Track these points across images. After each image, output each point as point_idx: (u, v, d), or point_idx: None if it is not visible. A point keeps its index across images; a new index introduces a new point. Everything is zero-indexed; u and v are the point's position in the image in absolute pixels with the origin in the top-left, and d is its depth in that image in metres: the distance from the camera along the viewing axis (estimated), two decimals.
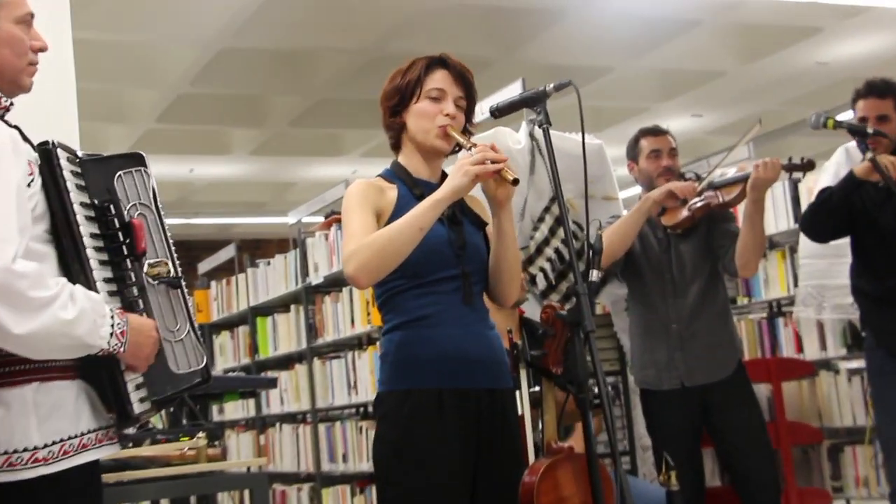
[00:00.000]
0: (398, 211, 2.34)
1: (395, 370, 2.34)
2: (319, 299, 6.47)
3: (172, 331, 2.13)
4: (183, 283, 2.17)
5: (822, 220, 3.56)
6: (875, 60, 8.48)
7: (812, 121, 3.49)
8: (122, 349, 1.98)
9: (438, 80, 2.41)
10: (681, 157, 4.09)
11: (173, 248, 2.18)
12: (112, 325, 1.97)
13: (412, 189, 2.40)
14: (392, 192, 2.39)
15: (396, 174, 2.44)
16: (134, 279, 2.08)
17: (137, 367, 2.03)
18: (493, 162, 2.24)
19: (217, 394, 4.09)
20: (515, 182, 2.24)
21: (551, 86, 2.33)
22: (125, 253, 2.09)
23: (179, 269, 2.17)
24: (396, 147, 2.49)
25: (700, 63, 8.58)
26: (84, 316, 1.92)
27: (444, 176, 2.48)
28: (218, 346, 8.17)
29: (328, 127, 10.08)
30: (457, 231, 2.37)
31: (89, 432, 2.01)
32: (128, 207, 2.13)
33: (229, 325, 8.07)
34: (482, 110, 4.41)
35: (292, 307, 6.90)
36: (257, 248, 12.33)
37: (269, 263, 7.32)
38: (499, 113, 2.43)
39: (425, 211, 2.24)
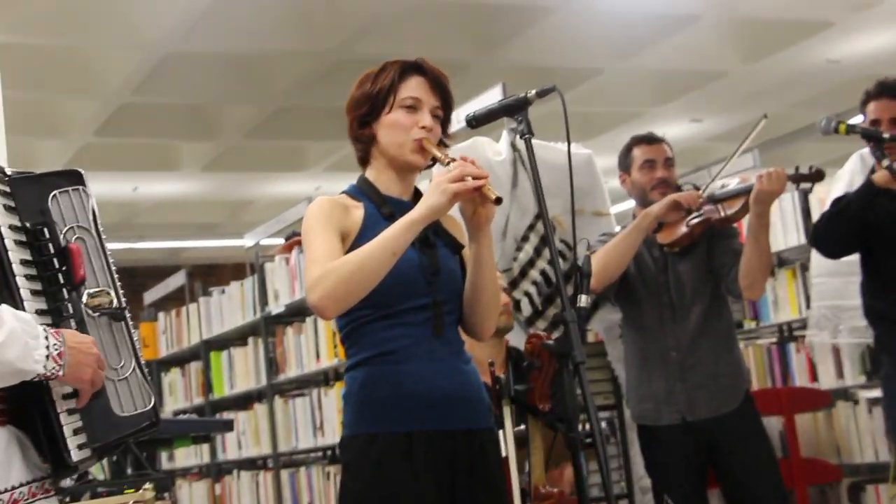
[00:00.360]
0: (365, 232, 2.35)
1: (359, 411, 2.34)
2: (280, 331, 6.46)
3: (116, 368, 2.10)
4: (127, 315, 2.16)
5: (836, 233, 3.58)
6: (892, 57, 8.58)
7: (822, 125, 3.52)
8: (60, 372, 1.95)
9: (413, 87, 2.42)
10: (679, 167, 4.11)
11: (116, 276, 2.17)
12: (47, 347, 1.94)
13: (380, 208, 2.41)
14: (358, 212, 2.40)
15: (363, 191, 2.45)
16: (72, 311, 2.06)
17: (82, 390, 2.01)
18: (473, 178, 2.24)
19: (166, 439, 4.07)
20: (498, 201, 2.24)
21: (533, 92, 2.35)
22: (61, 282, 2.06)
23: (123, 300, 2.15)
24: (364, 161, 2.49)
25: (698, 63, 8.67)
26: (14, 338, 1.89)
27: (416, 193, 2.49)
28: (167, 384, 8.12)
29: (288, 138, 10.09)
30: (429, 255, 2.38)
31: (21, 486, 1.99)
32: (64, 231, 2.11)
33: (180, 360, 8.03)
34: (458, 118, 4.44)
35: (250, 340, 6.88)
36: (210, 275, 12.29)
37: (223, 291, 7.30)
38: (476, 122, 2.44)
39: (399, 233, 2.24)
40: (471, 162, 2.28)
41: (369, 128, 2.43)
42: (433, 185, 2.26)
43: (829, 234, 3.62)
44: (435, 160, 2.41)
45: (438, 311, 2.36)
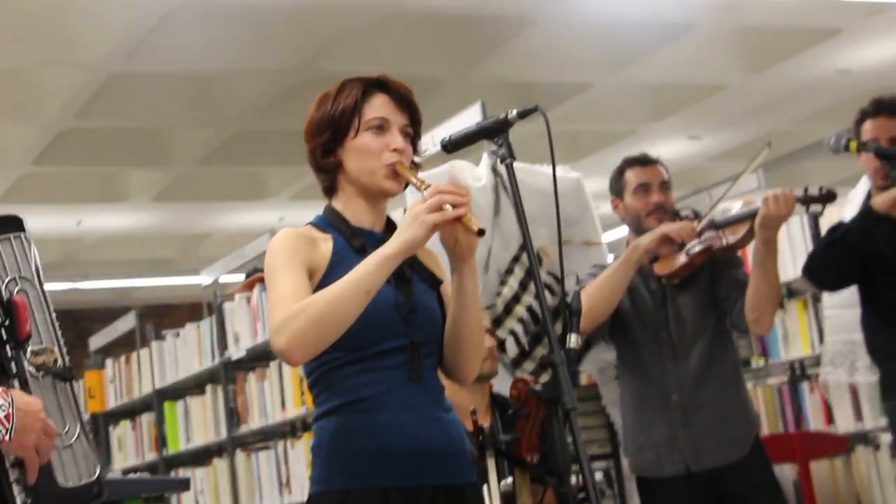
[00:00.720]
0: (335, 267, 2.35)
1: (329, 466, 2.33)
2: (241, 377, 6.43)
3: (60, 435, 2.08)
4: (73, 375, 2.14)
5: (832, 263, 3.61)
6: None
7: (831, 142, 3.54)
8: (6, 436, 1.93)
9: (379, 106, 2.43)
10: (677, 189, 4.13)
11: (60, 332, 2.16)
12: None
13: (351, 240, 2.41)
14: (326, 245, 2.40)
15: (331, 222, 2.45)
16: (15, 370, 2.05)
17: (27, 459, 1.99)
18: (453, 207, 2.25)
19: (114, 502, 4.02)
20: (480, 233, 2.24)
21: (514, 112, 2.36)
22: (3, 338, 2.05)
23: (68, 358, 2.14)
24: (330, 191, 2.50)
25: (695, 75, 8.73)
26: None
27: (389, 223, 2.50)
28: (116, 439, 8.06)
29: (247, 165, 10.09)
30: (405, 291, 2.38)
31: None
32: (6, 281, 2.10)
33: (130, 412, 7.98)
34: (433, 141, 4.47)
35: (208, 388, 6.85)
36: (163, 317, 12.22)
37: (178, 335, 7.27)
38: (452, 147, 2.46)
39: (373, 270, 2.23)
40: (450, 188, 2.28)
41: (334, 155, 2.44)
42: (409, 216, 2.26)
43: (825, 265, 3.64)
44: (409, 185, 2.42)
45: (416, 354, 2.35)
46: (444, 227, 2.28)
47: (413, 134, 2.48)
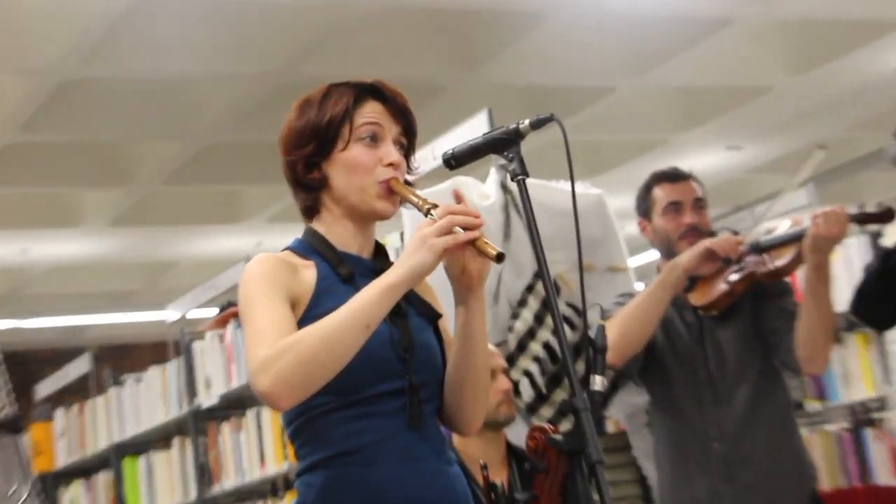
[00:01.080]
0: (320, 298, 2.34)
1: None
2: (214, 428, 6.42)
3: (6, 494, 2.09)
4: (22, 427, 2.14)
5: (883, 297, 3.59)
6: None
7: (892, 152, 3.55)
8: None
9: (371, 114, 2.44)
10: (714, 206, 4.13)
11: (5, 378, 2.16)
12: None
13: (336, 267, 2.41)
14: (309, 273, 2.39)
15: (313, 247, 2.45)
16: None
17: None
18: (464, 228, 2.25)
19: None
20: (499, 258, 2.23)
21: (526, 122, 2.36)
22: None
23: (16, 405, 2.14)
24: (311, 212, 2.49)
25: (734, 76, 8.75)
26: None
27: (377, 248, 2.50)
28: (68, 503, 8.04)
29: (220, 182, 10.12)
30: (401, 326, 2.38)
31: None
32: None
33: (84, 471, 7.96)
34: (434, 154, 4.47)
35: (175, 442, 6.83)
36: (123, 359, 12.23)
37: (139, 380, 7.26)
38: (456, 162, 2.46)
39: (373, 301, 2.23)
40: (461, 208, 2.29)
41: (318, 169, 2.44)
42: (415, 240, 2.25)
43: (878, 299, 3.63)
44: (410, 204, 2.40)
45: (415, 398, 2.35)
46: (455, 252, 2.28)
47: (408, 147, 2.49)
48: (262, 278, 2.34)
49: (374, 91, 2.46)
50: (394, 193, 2.41)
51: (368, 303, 2.23)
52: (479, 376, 2.42)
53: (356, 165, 2.41)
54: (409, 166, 2.49)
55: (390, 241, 4.61)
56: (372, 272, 2.38)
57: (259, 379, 2.20)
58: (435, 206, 2.31)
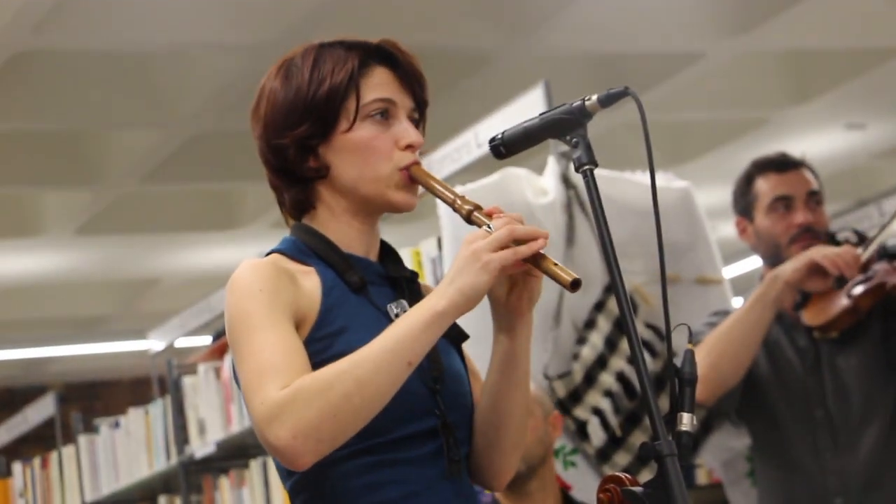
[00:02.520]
0: (329, 314, 2.33)
1: None
2: (210, 483, 6.44)
3: None
4: None
5: None
6: None
7: None
8: None
9: (381, 84, 2.42)
10: (832, 201, 4.12)
11: None
12: None
13: (344, 274, 2.39)
14: (311, 281, 2.37)
15: (311, 248, 2.42)
16: None
17: None
18: (520, 241, 2.23)
19: None
20: (576, 285, 2.22)
21: (594, 98, 2.35)
22: None
23: None
24: (303, 207, 2.47)
25: (854, 36, 8.71)
26: None
27: (385, 250, 2.48)
28: None
29: (210, 180, 10.15)
30: (430, 350, 2.32)
31: None
32: None
33: None
34: (477, 140, 4.47)
35: (162, 500, 6.86)
36: (95, 399, 12.31)
37: (116, 425, 7.29)
38: (506, 150, 2.44)
39: (417, 333, 2.20)
40: (517, 215, 2.28)
41: (314, 156, 2.42)
42: (466, 256, 2.24)
43: None
44: (437, 198, 2.39)
45: (450, 439, 2.35)
46: (514, 270, 2.27)
47: (419, 121, 2.48)
48: (261, 293, 2.30)
49: (382, 54, 2.43)
50: (414, 183, 2.40)
51: (412, 335, 2.20)
52: (519, 420, 2.43)
53: (369, 151, 2.39)
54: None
55: (425, 250, 4.62)
56: (384, 278, 2.39)
57: (274, 429, 2.17)
58: (477, 206, 2.30)
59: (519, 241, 2.24)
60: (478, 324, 2.51)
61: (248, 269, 2.33)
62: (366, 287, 2.36)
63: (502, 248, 2.22)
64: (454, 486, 2.35)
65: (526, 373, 2.41)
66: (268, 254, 2.43)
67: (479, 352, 2.53)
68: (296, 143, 2.41)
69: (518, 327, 2.37)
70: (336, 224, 2.44)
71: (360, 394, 2.17)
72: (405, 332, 2.21)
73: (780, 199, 3.85)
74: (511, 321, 2.37)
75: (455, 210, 2.34)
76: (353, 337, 2.26)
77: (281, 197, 2.49)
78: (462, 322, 2.38)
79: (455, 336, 2.44)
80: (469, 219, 2.30)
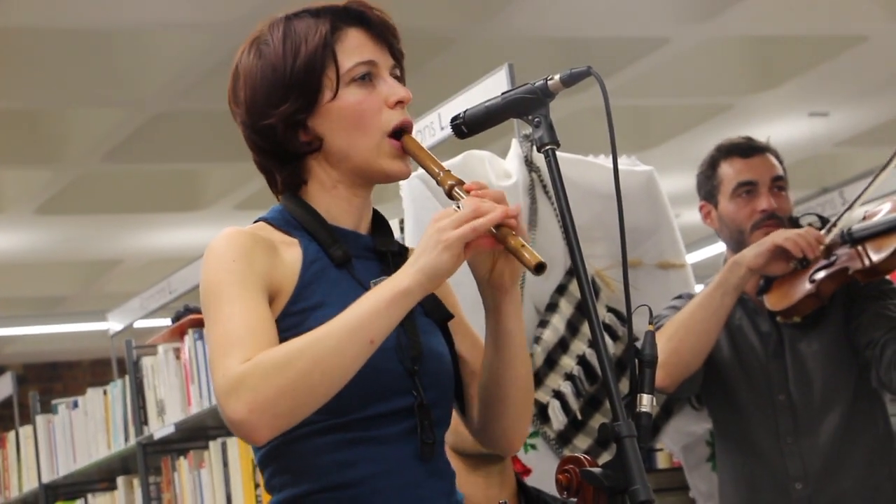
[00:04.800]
0: (307, 288, 2.32)
1: None
2: (168, 464, 6.42)
3: None
4: None
5: None
6: None
7: None
8: None
9: (359, 47, 2.40)
10: (795, 187, 4.12)
11: None
12: None
13: (328, 247, 2.37)
14: (292, 253, 2.36)
15: (297, 219, 2.40)
16: None
17: None
18: (494, 220, 2.22)
19: None
20: (539, 269, 2.20)
21: (556, 77, 2.35)
22: None
23: None
24: (294, 186, 2.44)
25: (819, 24, 8.74)
26: None
27: (377, 220, 2.47)
28: None
29: (173, 160, 10.11)
30: (409, 330, 2.35)
31: None
32: None
33: None
34: (442, 121, 4.45)
35: (120, 482, 6.84)
36: (53, 380, 12.26)
37: (75, 405, 7.26)
38: (468, 129, 2.43)
39: (381, 311, 2.19)
40: (493, 193, 2.27)
41: (305, 130, 2.39)
42: (430, 234, 2.23)
43: None
44: (424, 170, 2.37)
45: (426, 420, 2.34)
46: (480, 248, 2.25)
47: (401, 73, 2.46)
48: (234, 263, 2.29)
49: (352, 15, 2.42)
50: (406, 153, 2.38)
51: (374, 313, 2.19)
52: (524, 388, 2.43)
53: (359, 115, 2.37)
54: None
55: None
56: (371, 252, 2.39)
57: (231, 403, 2.16)
58: (460, 182, 2.29)
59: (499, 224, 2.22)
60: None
61: (225, 238, 2.33)
62: (350, 261, 2.35)
63: (469, 224, 2.21)
64: (427, 467, 2.35)
65: (521, 346, 2.41)
66: (256, 221, 2.42)
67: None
68: (283, 120, 2.38)
69: (504, 304, 2.36)
70: (327, 197, 2.42)
71: (318, 371, 2.17)
72: (368, 310, 2.20)
73: (744, 185, 3.85)
74: (496, 298, 2.36)
75: (438, 183, 2.32)
76: (330, 312, 2.24)
77: (272, 178, 2.46)
78: (462, 291, 2.42)
79: (440, 316, 2.44)
80: (450, 194, 2.29)
